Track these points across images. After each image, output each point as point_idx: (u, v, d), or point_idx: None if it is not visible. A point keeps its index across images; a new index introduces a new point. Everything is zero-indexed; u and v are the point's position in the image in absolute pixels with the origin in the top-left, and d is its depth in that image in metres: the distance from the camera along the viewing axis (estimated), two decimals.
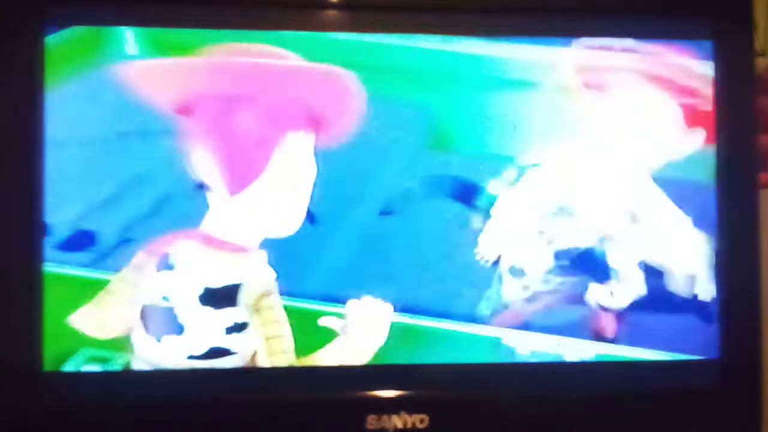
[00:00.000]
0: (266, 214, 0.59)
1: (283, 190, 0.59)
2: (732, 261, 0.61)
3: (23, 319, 0.56)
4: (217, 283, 0.58)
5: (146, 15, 0.58)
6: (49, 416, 0.56)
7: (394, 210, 0.60)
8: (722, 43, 0.61)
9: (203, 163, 0.58)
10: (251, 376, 0.59)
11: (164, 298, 0.58)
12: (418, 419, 0.58)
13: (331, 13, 0.60)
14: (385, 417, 0.58)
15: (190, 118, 0.58)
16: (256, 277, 0.59)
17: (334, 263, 0.60)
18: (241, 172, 0.59)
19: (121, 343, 0.58)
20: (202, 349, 0.58)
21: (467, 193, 0.60)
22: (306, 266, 0.60)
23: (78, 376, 0.57)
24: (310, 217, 0.59)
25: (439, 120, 0.61)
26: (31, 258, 0.56)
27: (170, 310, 0.58)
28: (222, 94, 0.58)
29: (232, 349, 0.59)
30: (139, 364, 0.58)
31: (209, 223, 0.59)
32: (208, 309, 0.58)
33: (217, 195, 0.59)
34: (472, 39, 0.60)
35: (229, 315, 0.58)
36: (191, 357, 0.58)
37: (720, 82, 0.61)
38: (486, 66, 0.60)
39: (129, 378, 0.58)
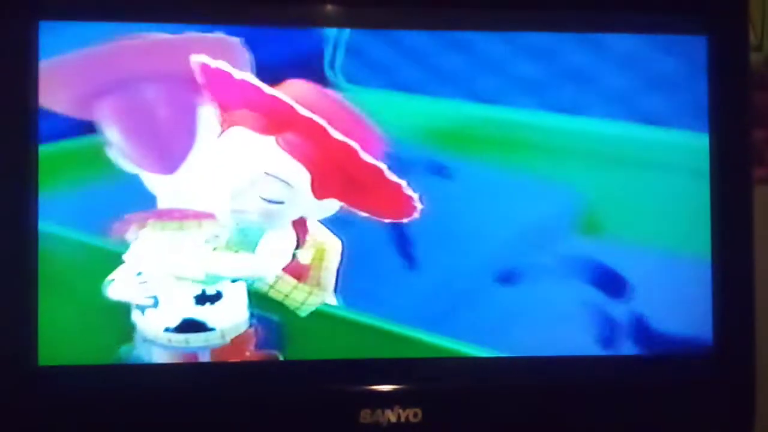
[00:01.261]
0: (217, 179, 0.59)
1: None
2: (727, 256, 0.61)
3: (19, 313, 0.56)
4: (182, 252, 0.58)
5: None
6: (44, 411, 0.56)
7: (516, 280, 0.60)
8: (717, 37, 0.60)
9: (128, 151, 0.58)
10: (246, 369, 0.59)
11: (138, 273, 0.58)
12: (412, 413, 0.58)
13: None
14: (378, 411, 0.57)
15: (104, 111, 0.57)
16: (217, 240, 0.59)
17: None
18: (171, 150, 0.58)
19: None
20: (175, 321, 0.58)
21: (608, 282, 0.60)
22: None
23: (73, 370, 0.57)
24: (409, 258, 0.59)
25: (591, 202, 0.60)
26: (27, 249, 0.57)
27: (145, 284, 0.58)
28: (127, 78, 0.57)
29: (209, 324, 0.59)
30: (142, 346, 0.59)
31: (163, 201, 0.59)
32: (177, 279, 0.59)
33: (156, 177, 0.58)
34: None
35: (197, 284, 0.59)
36: (167, 330, 0.58)
37: (715, 77, 0.61)
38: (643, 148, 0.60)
39: (126, 371, 0.58)
